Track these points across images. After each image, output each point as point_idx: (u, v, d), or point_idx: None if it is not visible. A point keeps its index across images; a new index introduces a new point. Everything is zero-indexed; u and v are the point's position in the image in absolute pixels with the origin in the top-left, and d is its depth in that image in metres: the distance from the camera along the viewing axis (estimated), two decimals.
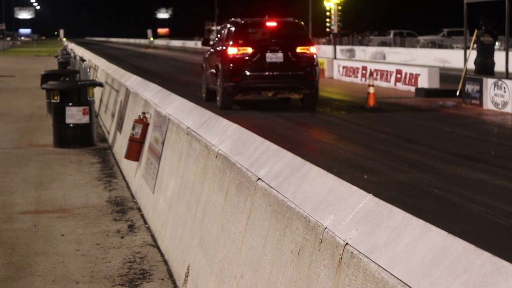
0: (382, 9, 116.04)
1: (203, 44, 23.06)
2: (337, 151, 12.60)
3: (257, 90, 18.93)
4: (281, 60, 18.72)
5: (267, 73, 18.70)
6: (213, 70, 19.88)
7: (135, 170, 8.66)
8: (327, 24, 42.82)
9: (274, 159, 3.97)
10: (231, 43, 19.04)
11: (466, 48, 21.68)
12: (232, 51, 18.82)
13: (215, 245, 4.55)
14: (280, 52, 18.74)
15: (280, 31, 19.43)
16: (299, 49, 18.90)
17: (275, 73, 18.71)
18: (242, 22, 19.59)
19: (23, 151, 12.21)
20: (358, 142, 13.64)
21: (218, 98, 19.35)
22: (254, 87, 18.81)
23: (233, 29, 19.56)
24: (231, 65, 18.71)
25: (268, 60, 18.70)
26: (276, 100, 21.04)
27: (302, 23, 20.03)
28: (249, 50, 18.78)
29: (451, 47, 50.27)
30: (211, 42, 22.19)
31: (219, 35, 21.01)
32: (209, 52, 21.40)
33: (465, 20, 21.54)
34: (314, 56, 19.11)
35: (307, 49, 19.01)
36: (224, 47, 19.39)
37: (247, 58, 18.74)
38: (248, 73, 18.67)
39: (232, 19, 20.54)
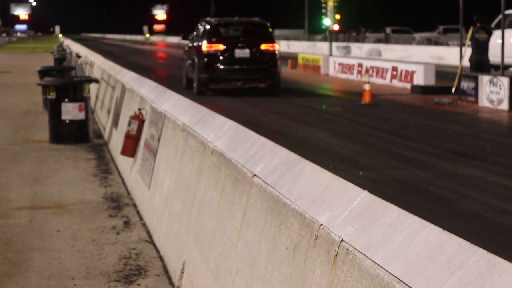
0: (378, 6, 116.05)
1: (183, 38, 26.27)
2: (332, 148, 12.61)
3: (228, 81, 21.99)
4: (248, 55, 21.81)
5: (236, 67, 21.81)
6: (191, 62, 22.98)
7: (131, 167, 8.66)
8: (323, 21, 42.84)
9: (269, 156, 3.97)
10: (205, 40, 22.04)
11: (461, 45, 21.70)
12: (206, 47, 21.87)
13: (211, 242, 4.55)
14: (247, 48, 21.83)
15: (247, 30, 22.55)
16: (263, 46, 21.99)
17: (243, 67, 21.82)
18: (215, 21, 22.82)
19: (19, 147, 12.20)
20: (353, 138, 13.65)
21: (194, 86, 22.37)
22: (225, 78, 21.90)
23: (207, 27, 22.59)
24: (205, 59, 21.78)
25: (236, 55, 21.78)
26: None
27: (268, 23, 22.88)
28: (221, 46, 21.87)
29: (447, 44, 50.25)
30: (190, 37, 24.74)
31: (195, 32, 23.86)
32: (188, 46, 24.28)
33: (460, 18, 21.56)
34: (276, 52, 22.16)
35: (270, 46, 22.12)
36: (199, 43, 22.36)
37: (219, 53, 21.84)
38: (219, 66, 21.80)
39: (208, 18, 24.02)
